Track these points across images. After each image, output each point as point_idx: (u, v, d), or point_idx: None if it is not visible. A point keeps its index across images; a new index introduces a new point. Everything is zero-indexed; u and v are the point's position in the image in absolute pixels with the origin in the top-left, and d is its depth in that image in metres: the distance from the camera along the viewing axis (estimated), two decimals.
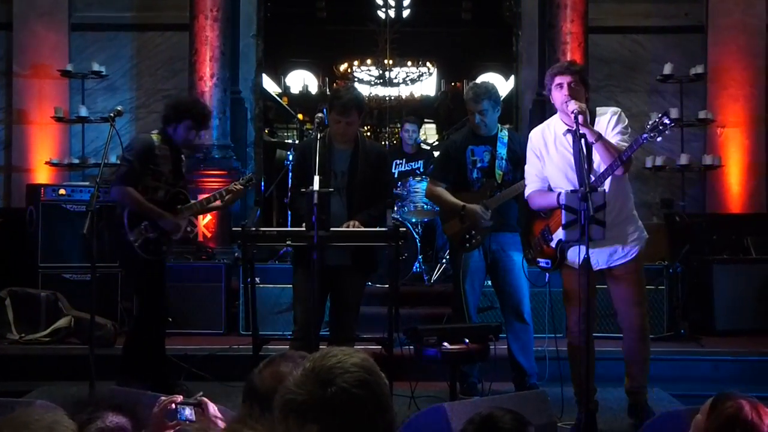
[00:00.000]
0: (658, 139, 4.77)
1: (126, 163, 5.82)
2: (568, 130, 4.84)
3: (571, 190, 4.77)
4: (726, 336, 7.51)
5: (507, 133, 6.10)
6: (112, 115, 5.81)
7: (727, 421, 2.37)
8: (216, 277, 7.73)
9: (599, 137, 4.80)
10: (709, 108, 9.27)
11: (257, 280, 6.19)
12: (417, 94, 19.76)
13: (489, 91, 6.04)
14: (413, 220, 8.39)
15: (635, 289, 5.08)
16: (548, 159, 5.11)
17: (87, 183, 6.04)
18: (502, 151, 5.97)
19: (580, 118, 4.71)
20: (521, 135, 9.35)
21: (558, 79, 4.99)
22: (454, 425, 3.68)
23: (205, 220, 8.58)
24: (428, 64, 19.24)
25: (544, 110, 9.04)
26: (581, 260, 4.59)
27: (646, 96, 9.63)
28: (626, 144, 4.88)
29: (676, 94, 9.24)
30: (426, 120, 18.98)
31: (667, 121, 4.67)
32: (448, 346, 5.37)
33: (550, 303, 5.68)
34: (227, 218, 8.55)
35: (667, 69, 9.11)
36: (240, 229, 5.19)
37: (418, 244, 8.26)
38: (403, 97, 18.74)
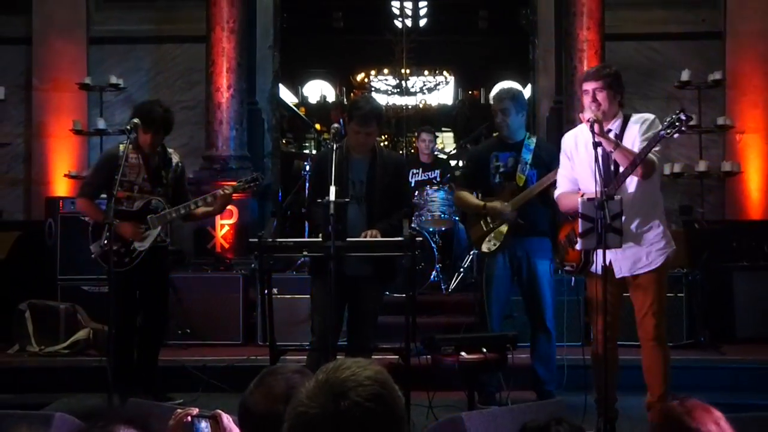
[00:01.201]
0: (675, 135, 4.74)
1: (88, 175, 5.85)
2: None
3: (588, 198, 4.75)
4: (747, 343, 7.44)
5: (535, 140, 6.10)
6: (128, 127, 5.83)
7: (661, 427, 2.37)
8: (234, 288, 7.74)
9: (617, 146, 4.78)
10: (728, 114, 9.22)
11: (275, 290, 6.19)
12: (434, 103, 19.76)
13: (513, 93, 6.13)
14: (430, 229, 8.38)
15: (655, 298, 5.01)
16: (578, 160, 5.10)
17: (104, 196, 6.06)
18: (527, 156, 5.94)
19: (596, 127, 4.69)
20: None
21: (585, 86, 5.02)
22: None
23: (222, 231, 8.61)
24: (445, 72, 19.27)
25: (561, 118, 9.05)
26: (599, 268, 4.56)
27: (663, 103, 9.56)
28: (654, 151, 4.84)
29: (694, 100, 9.19)
30: (443, 128, 18.98)
31: (683, 117, 4.63)
32: (466, 356, 5.35)
33: (567, 311, 5.65)
34: (245, 229, 8.57)
35: (685, 75, 9.07)
36: (257, 240, 5.19)
37: (436, 253, 8.24)
38: (421, 106, 18.74)
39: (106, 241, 5.46)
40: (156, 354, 6.16)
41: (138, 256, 5.86)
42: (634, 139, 4.91)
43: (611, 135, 4.93)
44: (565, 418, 2.29)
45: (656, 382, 5.04)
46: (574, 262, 5.15)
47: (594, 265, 4.92)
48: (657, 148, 4.84)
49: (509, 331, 6.10)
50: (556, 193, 5.27)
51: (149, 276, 5.97)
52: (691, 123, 8.52)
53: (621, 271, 4.96)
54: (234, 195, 6.15)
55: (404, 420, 1.76)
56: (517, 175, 5.93)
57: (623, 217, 4.74)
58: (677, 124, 4.64)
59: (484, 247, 6.00)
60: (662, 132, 4.69)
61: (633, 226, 4.75)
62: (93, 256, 5.84)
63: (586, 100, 4.96)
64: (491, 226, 5.93)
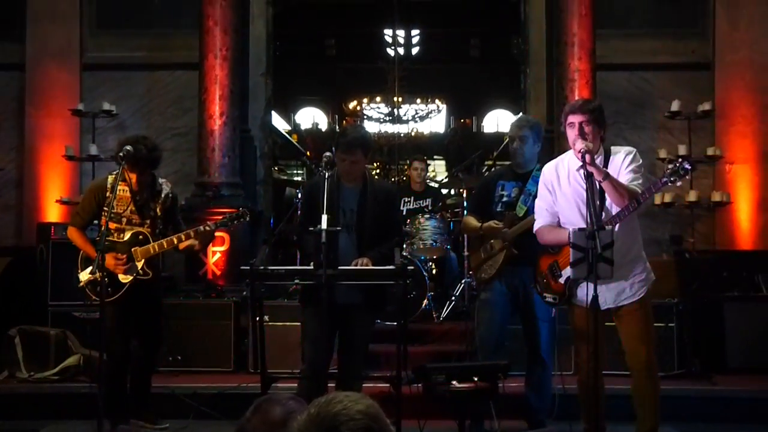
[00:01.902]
0: (678, 183, 4.78)
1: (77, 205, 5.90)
2: (581, 166, 4.85)
3: (579, 228, 4.77)
4: (738, 373, 7.45)
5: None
6: (121, 154, 5.84)
7: None
8: (225, 315, 7.72)
9: (606, 176, 4.81)
10: (718, 144, 9.29)
11: (266, 317, 6.19)
12: (426, 131, 19.84)
13: (533, 122, 6.13)
14: (422, 258, 8.39)
15: (642, 328, 5.04)
16: (560, 193, 5.12)
17: (96, 222, 6.08)
18: (532, 188, 5.85)
19: (587, 157, 4.73)
20: None
21: (570, 118, 5.01)
22: None
23: (214, 258, 8.61)
24: (437, 101, 19.36)
25: (552, 147, 9.08)
26: (589, 299, 4.58)
27: (654, 132, 9.65)
28: (638, 183, 4.89)
29: (684, 130, 9.27)
30: (435, 157, 19.05)
31: (687, 166, 4.69)
32: (457, 385, 5.34)
33: (557, 340, 5.65)
34: (236, 256, 8.58)
35: (675, 106, 9.15)
36: (248, 267, 5.20)
37: (427, 282, 8.25)
38: (413, 134, 18.82)
39: (91, 270, 5.60)
40: (148, 380, 6.16)
41: (122, 287, 5.87)
42: (617, 170, 4.95)
43: (598, 161, 4.96)
44: None
45: (647, 412, 5.05)
46: (556, 294, 5.17)
47: (576, 296, 4.95)
48: (639, 181, 4.89)
49: (500, 359, 6.10)
50: (536, 226, 5.26)
51: (140, 306, 5.97)
52: (681, 152, 8.67)
53: (606, 302, 4.97)
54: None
55: None
56: (518, 205, 5.91)
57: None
58: (681, 172, 4.69)
59: (481, 274, 5.99)
60: (665, 179, 4.73)
61: (617, 258, 4.77)
62: (80, 284, 5.85)
63: (572, 132, 4.98)
64: (489, 252, 5.93)
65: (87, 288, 5.84)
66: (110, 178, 5.88)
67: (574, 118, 4.98)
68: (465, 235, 8.05)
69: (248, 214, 6.10)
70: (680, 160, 4.75)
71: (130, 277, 5.88)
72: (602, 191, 4.87)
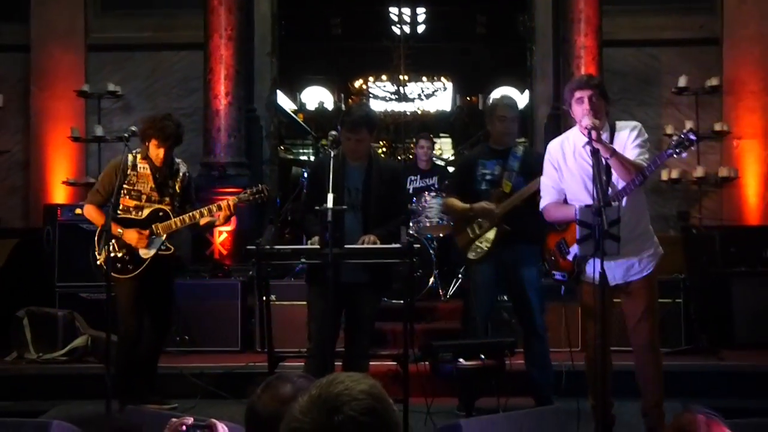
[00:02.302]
0: (683, 155, 4.76)
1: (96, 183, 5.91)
2: (588, 143, 4.83)
3: (586, 205, 4.75)
4: (745, 349, 7.44)
5: (522, 148, 6.13)
6: (126, 135, 5.86)
7: None
8: (232, 295, 7.74)
9: (613, 152, 4.79)
10: (725, 120, 9.25)
11: (272, 297, 6.19)
12: (432, 110, 19.78)
13: (516, 102, 6.23)
14: (428, 236, 8.38)
15: (647, 304, 5.03)
16: (566, 170, 5.09)
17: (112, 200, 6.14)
18: (514, 164, 5.95)
19: (593, 133, 4.70)
20: (537, 149, 9.41)
21: (578, 93, 4.97)
22: None
23: (221, 238, 8.62)
24: (443, 79, 19.30)
25: (559, 124, 9.04)
26: (597, 275, 4.57)
27: (661, 109, 9.61)
28: (644, 158, 4.87)
29: (692, 106, 9.23)
30: (441, 135, 19.01)
31: (692, 137, 4.67)
32: (464, 362, 5.36)
33: (565, 317, 5.65)
34: (243, 236, 8.58)
35: (682, 81, 9.11)
36: (255, 247, 5.20)
37: (434, 260, 8.24)
38: (419, 112, 18.77)
39: (109, 248, 5.66)
40: (156, 360, 6.19)
41: (142, 263, 5.90)
42: (623, 145, 4.92)
43: (604, 136, 4.93)
44: None
45: (651, 389, 5.05)
46: (565, 271, 5.15)
47: (585, 273, 4.95)
48: (645, 155, 4.87)
49: (501, 336, 6.12)
50: (542, 203, 5.25)
51: (155, 283, 6.00)
52: (688, 128, 8.62)
53: (615, 279, 4.96)
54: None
55: None
56: (503, 182, 5.94)
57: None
58: (686, 143, 4.67)
59: (471, 254, 5.99)
60: (669, 151, 4.72)
61: (625, 234, 4.75)
62: (98, 262, 5.86)
63: (580, 107, 4.95)
64: (478, 232, 5.93)
65: (105, 265, 5.83)
66: (130, 156, 5.95)
67: (583, 93, 4.95)
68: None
69: (267, 190, 6.13)
70: (685, 131, 4.73)
71: (152, 252, 5.91)
72: (608, 167, 4.85)
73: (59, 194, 9.48)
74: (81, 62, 9.83)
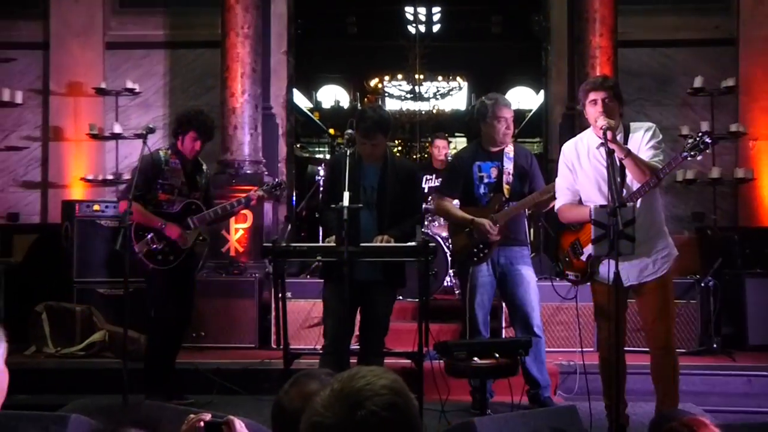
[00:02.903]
0: (698, 157, 4.77)
1: (130, 178, 6.00)
2: (602, 144, 4.84)
3: (600, 205, 4.77)
4: (759, 351, 7.44)
5: (513, 148, 6.12)
6: (144, 132, 5.95)
7: None
8: (248, 292, 7.80)
9: (628, 153, 4.81)
10: (741, 121, 9.22)
11: (288, 294, 6.24)
12: (447, 109, 19.80)
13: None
14: (443, 235, 8.40)
15: (663, 305, 5.03)
16: (581, 171, 5.11)
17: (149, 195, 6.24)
18: (509, 165, 5.99)
19: (609, 134, 4.72)
20: (551, 149, 9.43)
21: (592, 95, 4.98)
22: None
23: (237, 235, 8.66)
24: (458, 78, 19.32)
25: (573, 124, 9.05)
26: (611, 275, 4.59)
27: (676, 109, 9.60)
28: (659, 159, 4.88)
29: (707, 107, 9.21)
30: (457, 134, 19.02)
31: (708, 140, 4.68)
32: (478, 361, 5.38)
33: (578, 317, 5.67)
34: (259, 233, 8.63)
35: (698, 82, 9.09)
36: (271, 244, 5.24)
37: (449, 259, 8.27)
38: (434, 111, 18.78)
39: (149, 241, 5.94)
40: (176, 354, 6.30)
41: (181, 254, 6.07)
42: (637, 147, 4.93)
43: (619, 137, 4.95)
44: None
45: (666, 390, 5.04)
46: (578, 272, 5.17)
47: (599, 273, 4.96)
48: (660, 157, 4.88)
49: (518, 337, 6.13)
50: (557, 204, 5.27)
51: (182, 276, 6.15)
52: (704, 129, 8.62)
53: (629, 279, 4.98)
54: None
55: (420, 428, 1.75)
56: (503, 186, 5.97)
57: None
58: (701, 147, 4.68)
59: (473, 258, 6.00)
60: (684, 153, 4.73)
61: (639, 235, 4.77)
62: (138, 255, 5.98)
63: (595, 108, 4.96)
64: (476, 236, 5.94)
65: (146, 259, 5.99)
66: (162, 152, 6.14)
67: (597, 95, 4.96)
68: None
69: (285, 183, 6.33)
70: (700, 134, 4.74)
71: (190, 244, 6.11)
72: (623, 168, 4.87)
73: (77, 190, 9.56)
74: (99, 59, 9.90)
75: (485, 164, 6.04)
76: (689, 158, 4.75)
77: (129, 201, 5.69)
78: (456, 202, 6.17)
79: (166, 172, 6.07)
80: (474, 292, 5.99)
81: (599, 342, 5.24)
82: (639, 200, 4.89)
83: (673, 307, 5.19)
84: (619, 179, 4.86)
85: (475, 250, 5.95)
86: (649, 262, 5.00)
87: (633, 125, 5.09)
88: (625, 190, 4.86)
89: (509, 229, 5.92)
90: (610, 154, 4.69)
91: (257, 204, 6.45)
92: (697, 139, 4.71)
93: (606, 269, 4.72)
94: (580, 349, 5.54)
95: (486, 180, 6.01)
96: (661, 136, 5.04)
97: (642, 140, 4.97)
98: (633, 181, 4.89)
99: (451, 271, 8.31)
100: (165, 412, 3.87)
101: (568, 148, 5.24)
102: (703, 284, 7.43)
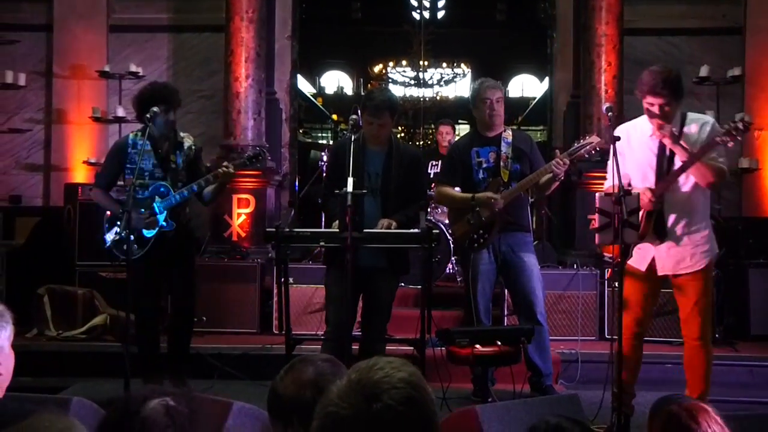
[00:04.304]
0: (730, 144, 4.74)
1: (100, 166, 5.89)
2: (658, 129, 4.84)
3: (605, 193, 4.76)
4: (761, 341, 7.45)
5: (511, 132, 6.06)
6: (148, 116, 5.85)
7: (662, 429, 2.36)
8: (250, 277, 7.79)
9: (691, 158, 4.76)
10: (746, 111, 9.18)
11: (291, 280, 6.22)
12: (451, 96, 19.76)
13: (500, 84, 6.21)
14: (446, 222, 8.38)
15: (698, 299, 4.98)
16: (630, 155, 5.05)
17: (123, 183, 6.13)
18: (507, 150, 5.93)
19: (667, 141, 4.73)
20: (556, 136, 9.39)
21: (649, 99, 4.88)
22: (485, 428, 3.69)
23: (239, 220, 8.65)
24: (463, 65, 19.28)
25: (578, 112, 9.03)
26: (639, 263, 4.57)
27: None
28: (722, 159, 4.87)
29: (713, 96, 9.17)
30: (461, 121, 18.99)
31: (741, 126, 4.65)
32: (481, 348, 5.37)
33: (582, 304, 5.65)
34: (261, 218, 8.62)
35: (704, 71, 9.05)
36: (274, 229, 5.22)
37: (451, 246, 8.25)
38: (438, 98, 18.75)
39: (117, 230, 5.69)
40: (186, 341, 6.10)
41: (146, 243, 5.85)
42: (695, 140, 4.88)
43: (674, 130, 4.91)
44: (578, 421, 2.26)
45: (697, 381, 5.02)
46: (614, 254, 5.13)
47: (633, 258, 4.93)
48: (722, 158, 4.85)
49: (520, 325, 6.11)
50: (606, 185, 5.17)
51: (171, 259, 5.95)
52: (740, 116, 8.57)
53: (663, 269, 4.95)
54: (249, 183, 6.18)
55: (436, 424, 1.72)
56: (501, 170, 5.91)
57: (672, 216, 4.83)
58: (734, 133, 4.65)
59: (473, 244, 5.96)
60: (717, 138, 4.70)
61: (680, 226, 4.75)
62: (107, 245, 5.86)
63: (653, 112, 4.88)
64: (472, 222, 5.89)
65: (114, 249, 5.87)
66: (131, 135, 5.96)
67: (654, 100, 4.85)
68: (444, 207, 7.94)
69: (263, 153, 6.13)
70: (735, 120, 4.72)
71: (154, 231, 5.88)
72: (671, 158, 4.84)
73: (80, 173, 9.54)
74: (103, 42, 9.86)
75: (483, 149, 6.00)
76: (721, 143, 4.72)
77: (95, 189, 5.72)
78: (457, 189, 6.13)
79: (133, 156, 5.81)
80: (475, 281, 5.96)
81: (622, 333, 5.21)
82: (687, 191, 4.85)
83: (710, 301, 5.12)
84: (666, 168, 4.84)
85: (475, 236, 5.90)
86: (687, 255, 4.95)
87: (690, 116, 5.01)
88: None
89: (511, 214, 5.88)
90: (613, 144, 4.67)
91: (225, 179, 5.96)
92: (732, 125, 4.68)
93: (638, 256, 4.70)
94: (580, 338, 5.52)
95: (484, 165, 5.97)
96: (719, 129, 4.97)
97: (700, 136, 4.91)
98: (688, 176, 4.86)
99: (453, 258, 8.29)
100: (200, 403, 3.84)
101: (621, 132, 5.13)
102: None
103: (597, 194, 4.82)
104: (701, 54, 9.49)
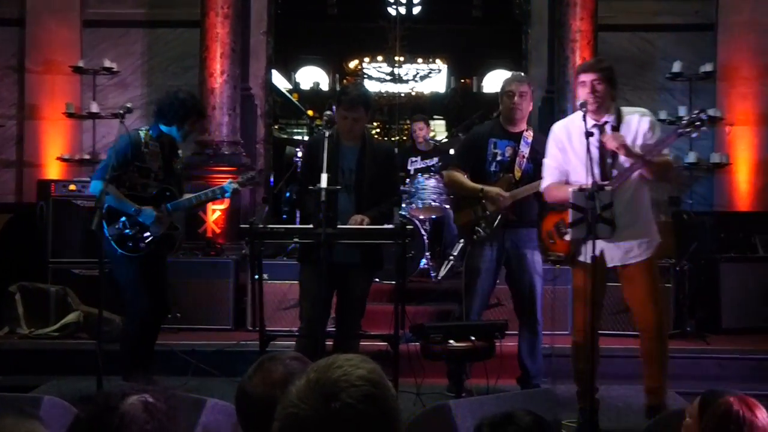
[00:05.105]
0: (693, 135, 4.78)
1: (106, 158, 5.82)
2: (595, 125, 4.85)
3: (579, 188, 4.78)
4: (732, 334, 7.52)
5: (532, 133, 5.95)
6: (121, 112, 5.82)
7: (720, 420, 2.37)
8: (224, 273, 7.76)
9: (642, 159, 4.79)
10: (718, 106, 9.27)
11: (265, 276, 6.22)
12: (427, 91, 19.77)
13: (531, 81, 6.08)
14: (421, 217, 8.41)
15: (650, 288, 5.05)
16: (571, 152, 5.08)
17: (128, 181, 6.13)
18: (525, 149, 5.83)
19: (621, 151, 4.77)
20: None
21: (582, 77, 4.98)
22: (459, 423, 3.71)
23: (214, 216, 8.63)
24: (438, 61, 19.29)
25: (553, 107, 9.08)
26: (590, 258, 4.60)
27: (655, 94, 9.63)
28: (667, 151, 4.91)
29: (686, 92, 9.25)
30: (435, 117, 19.02)
31: (704, 117, 4.70)
32: (454, 344, 5.39)
33: (551, 299, 5.68)
34: (236, 214, 8.60)
35: (677, 67, 9.13)
36: (248, 226, 5.22)
37: (426, 241, 8.27)
38: (413, 93, 18.75)
39: (121, 226, 5.72)
40: (155, 337, 6.13)
41: (153, 242, 5.86)
42: (634, 134, 4.92)
43: (607, 127, 4.94)
44: (522, 410, 2.27)
45: (656, 374, 5.06)
46: (561, 252, 5.17)
47: (583, 255, 4.95)
48: (666, 150, 4.90)
49: (494, 319, 6.13)
50: (543, 183, 5.25)
51: (156, 262, 5.97)
52: (681, 114, 8.65)
53: (612, 260, 5.00)
54: (223, 179, 6.27)
55: (398, 420, 1.72)
56: (515, 168, 5.82)
57: (620, 208, 4.83)
58: (697, 123, 4.69)
59: (473, 236, 5.91)
60: (680, 131, 4.73)
61: (627, 218, 4.79)
62: (109, 238, 5.77)
63: (584, 90, 4.95)
64: (480, 214, 5.85)
65: (115, 243, 5.78)
66: (142, 134, 5.90)
67: (587, 77, 4.95)
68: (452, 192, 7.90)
69: (257, 175, 6.28)
70: (697, 111, 4.77)
71: (161, 231, 5.89)
72: (613, 153, 4.88)
73: (53, 170, 9.47)
74: (76, 37, 9.79)
75: (501, 142, 5.89)
76: (683, 135, 4.76)
77: (105, 182, 5.52)
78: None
79: (145, 155, 5.82)
80: (472, 276, 5.90)
81: (574, 326, 5.24)
82: (631, 184, 4.89)
83: (661, 291, 5.19)
84: (610, 161, 4.87)
85: (477, 227, 5.88)
86: (634, 245, 5.01)
87: (626, 110, 5.06)
88: (615, 171, 4.86)
89: (516, 212, 5.77)
90: (589, 135, 4.70)
91: (233, 196, 6.25)
92: (694, 116, 4.72)
93: (588, 250, 4.72)
94: (552, 332, 5.54)
95: (499, 158, 5.87)
96: (658, 124, 5.02)
97: (640, 129, 4.95)
98: (626, 162, 4.88)
99: (427, 253, 8.31)
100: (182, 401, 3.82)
101: (559, 128, 5.21)
102: (678, 268, 7.48)
103: (570, 189, 4.84)
104: (674, 50, 9.57)
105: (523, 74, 6.22)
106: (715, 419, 2.38)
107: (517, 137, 5.88)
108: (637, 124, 4.97)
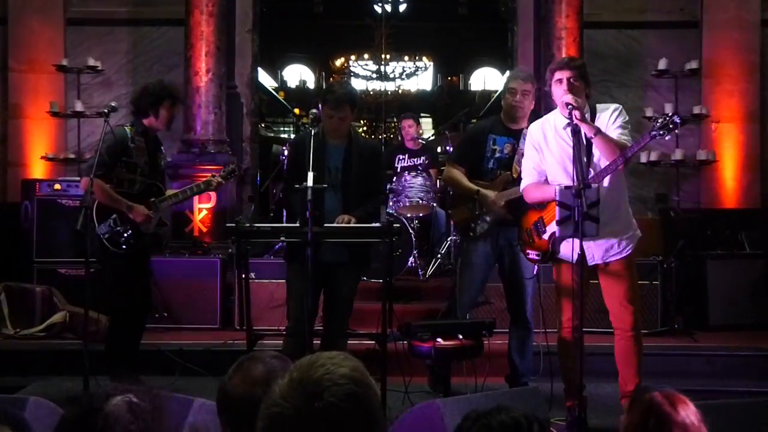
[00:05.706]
0: (667, 137, 4.78)
1: (96, 154, 5.77)
2: (568, 124, 4.83)
3: (565, 186, 4.77)
4: (719, 331, 7.53)
5: None
6: (106, 110, 5.77)
7: (642, 415, 2.39)
8: (211, 272, 7.73)
9: (598, 131, 4.81)
10: (704, 103, 9.30)
11: (252, 275, 6.19)
12: (413, 89, 19.78)
13: (535, 80, 6.00)
14: (408, 215, 8.39)
15: (628, 287, 5.05)
16: (547, 152, 5.09)
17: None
18: (524, 148, 5.84)
19: (576, 113, 4.71)
20: None
21: (558, 75, 4.98)
22: (447, 421, 3.69)
23: (200, 215, 8.60)
24: (424, 58, 19.31)
25: (539, 105, 9.05)
26: (575, 256, 4.59)
27: (640, 91, 9.65)
28: (627, 138, 4.90)
29: (671, 89, 9.28)
30: (422, 114, 19.03)
31: (677, 120, 4.70)
32: (442, 342, 5.37)
33: (540, 297, 5.67)
34: (222, 213, 8.57)
35: (662, 64, 9.15)
36: (234, 224, 5.19)
37: (413, 239, 8.26)
38: (400, 91, 18.76)
39: (112, 223, 5.70)
40: (141, 336, 6.15)
41: (142, 238, 5.86)
42: (605, 127, 4.94)
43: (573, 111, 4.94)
44: (508, 407, 2.26)
45: (631, 372, 5.06)
46: (540, 250, 5.17)
47: (562, 253, 4.96)
48: (627, 137, 4.90)
49: (482, 317, 6.11)
50: (522, 184, 5.24)
51: (142, 258, 5.98)
52: (667, 111, 8.68)
53: (594, 258, 4.99)
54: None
55: (381, 418, 1.72)
56: (513, 165, 5.76)
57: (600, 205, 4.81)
58: (670, 126, 4.69)
59: (469, 233, 5.89)
60: (654, 132, 4.73)
61: (606, 215, 4.78)
62: (101, 236, 5.75)
63: (560, 88, 4.96)
64: (477, 212, 5.82)
65: (107, 242, 5.77)
66: (128, 129, 5.88)
67: (562, 74, 4.96)
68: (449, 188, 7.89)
69: (238, 167, 6.23)
70: (670, 114, 4.77)
71: (152, 228, 5.90)
72: (589, 148, 4.87)
73: (38, 169, 9.42)
74: (60, 36, 9.73)
75: (501, 138, 5.83)
76: (658, 137, 4.76)
77: (91, 179, 5.47)
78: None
79: (132, 150, 5.81)
80: (464, 272, 5.89)
81: (560, 323, 5.24)
82: (606, 181, 4.89)
83: (638, 289, 5.21)
84: (585, 159, 4.86)
85: (472, 224, 5.87)
86: (614, 242, 5.01)
87: (599, 106, 5.10)
88: (591, 170, 4.86)
89: (514, 208, 5.66)
90: (576, 132, 4.69)
91: (216, 189, 6.33)
92: (667, 118, 4.72)
93: (569, 248, 4.72)
94: (543, 330, 5.53)
95: (498, 155, 5.82)
96: (627, 117, 5.06)
97: (609, 120, 4.98)
98: (600, 161, 4.89)
99: (414, 252, 8.30)
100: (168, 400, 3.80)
101: (535, 128, 5.22)
102: (665, 265, 7.49)
103: (556, 187, 4.83)
104: (660, 47, 9.58)
105: (527, 72, 6.17)
106: (638, 414, 2.41)
107: (517, 134, 5.83)
108: (607, 117, 4.99)
